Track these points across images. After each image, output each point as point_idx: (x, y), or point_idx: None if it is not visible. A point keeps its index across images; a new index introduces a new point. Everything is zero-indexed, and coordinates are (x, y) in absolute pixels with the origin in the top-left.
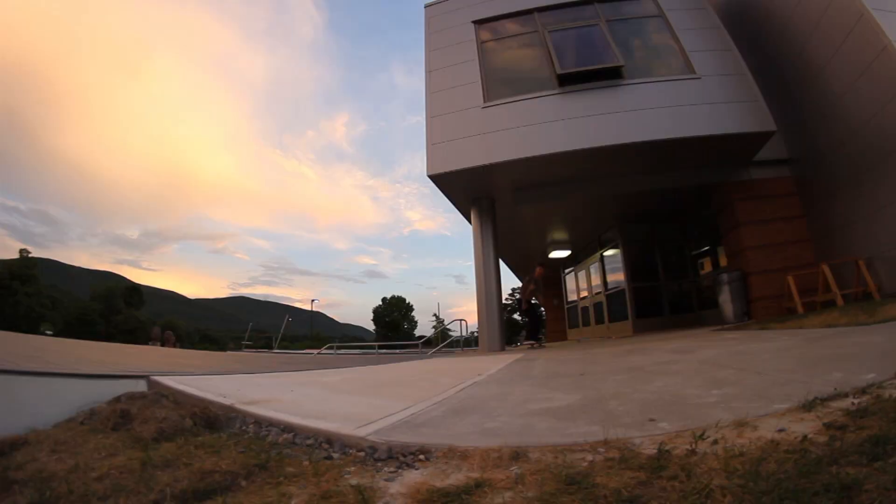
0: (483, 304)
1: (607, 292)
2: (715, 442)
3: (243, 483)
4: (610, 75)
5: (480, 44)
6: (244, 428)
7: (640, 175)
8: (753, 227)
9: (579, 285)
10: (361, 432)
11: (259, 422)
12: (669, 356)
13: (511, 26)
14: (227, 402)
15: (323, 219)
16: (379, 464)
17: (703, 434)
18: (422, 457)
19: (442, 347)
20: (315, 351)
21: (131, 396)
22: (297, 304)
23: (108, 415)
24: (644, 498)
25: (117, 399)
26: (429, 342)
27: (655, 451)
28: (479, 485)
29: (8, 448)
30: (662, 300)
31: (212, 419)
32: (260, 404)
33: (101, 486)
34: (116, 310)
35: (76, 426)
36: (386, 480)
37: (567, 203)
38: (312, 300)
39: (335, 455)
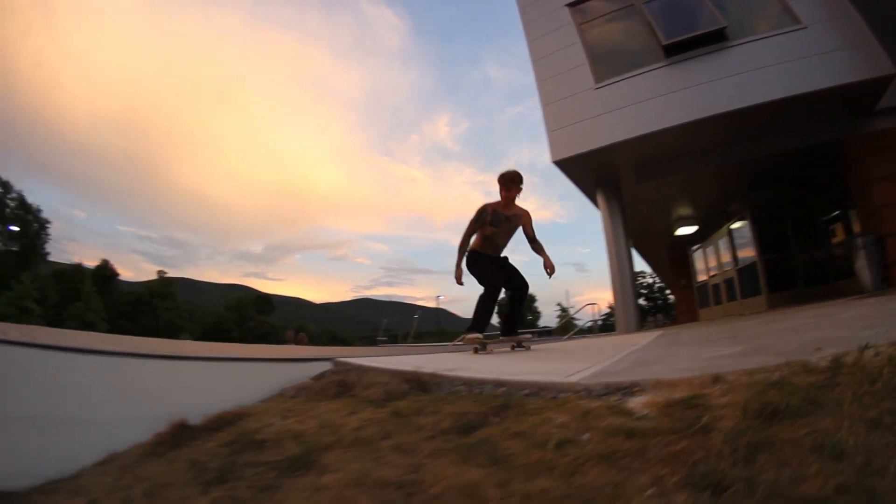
0: (618, 286)
1: (737, 267)
2: (877, 354)
3: (495, 419)
4: (714, 39)
5: (579, 26)
6: (455, 388)
7: (758, 140)
8: (886, 184)
9: (708, 263)
10: (570, 380)
11: (468, 382)
12: (814, 319)
13: (605, 4)
14: (428, 370)
15: (438, 218)
16: (603, 397)
17: (866, 346)
18: (636, 388)
19: (573, 335)
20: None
21: (334, 372)
22: (420, 303)
23: (325, 386)
24: (831, 385)
25: (322, 375)
26: (549, 332)
27: (829, 363)
28: (697, 396)
29: (233, 418)
30: (795, 272)
31: (424, 383)
32: (457, 371)
33: (366, 433)
34: (248, 317)
35: (287, 399)
36: (620, 402)
37: (687, 177)
38: (437, 296)
39: (560, 396)
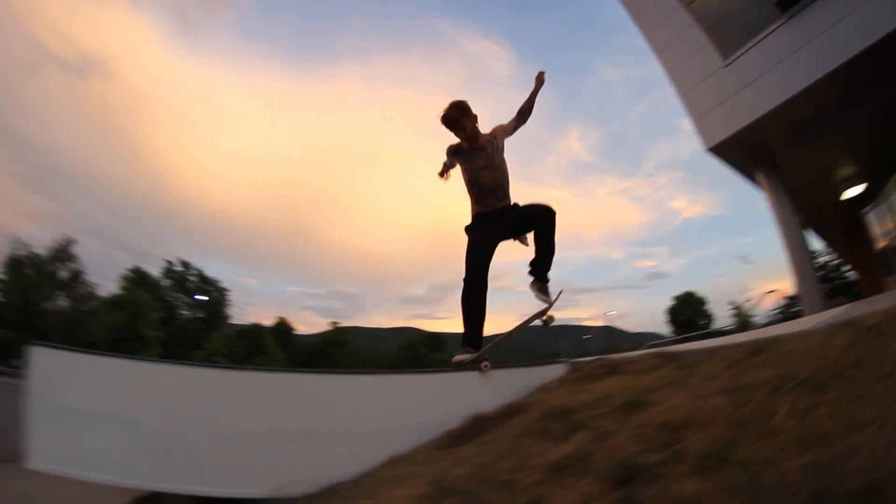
0: (797, 265)
1: None
2: None
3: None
4: None
5: (687, 7)
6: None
7: None
8: None
9: (884, 224)
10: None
11: (705, 351)
12: None
13: None
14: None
15: (590, 234)
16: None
17: None
18: None
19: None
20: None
21: (579, 368)
22: (588, 322)
23: (590, 371)
24: None
25: (575, 369)
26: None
27: None
28: None
29: (519, 407)
30: None
31: (672, 356)
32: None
33: (663, 384)
34: (422, 355)
35: (555, 389)
36: None
37: (843, 130)
38: (605, 313)
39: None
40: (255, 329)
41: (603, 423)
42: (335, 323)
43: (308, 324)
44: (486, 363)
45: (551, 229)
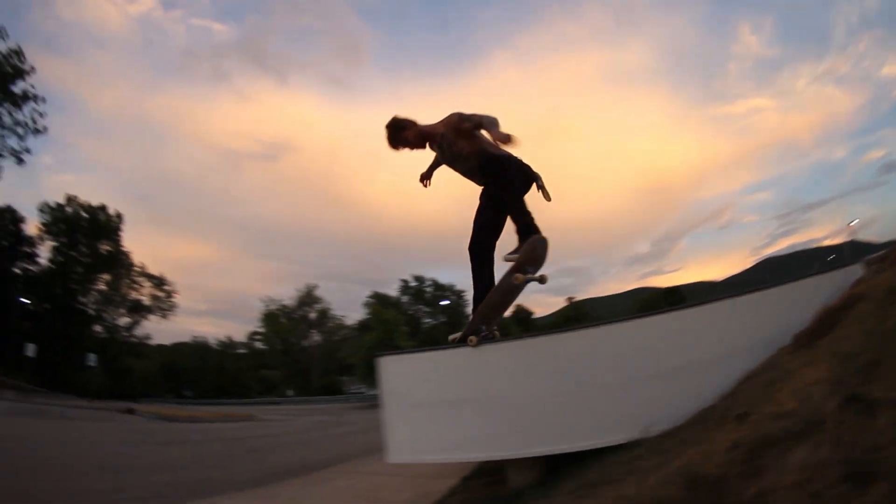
0: None
1: None
2: None
3: None
4: None
5: None
6: None
7: None
8: None
9: None
10: None
11: None
12: None
13: None
14: None
15: (803, 138)
16: None
17: None
18: None
19: None
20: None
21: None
22: (827, 242)
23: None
24: None
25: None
26: None
27: None
28: None
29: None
30: None
31: None
32: None
33: None
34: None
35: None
36: None
37: None
38: (849, 223)
39: None
40: None
41: None
42: (570, 299)
43: (542, 305)
44: (472, 338)
45: (510, 201)
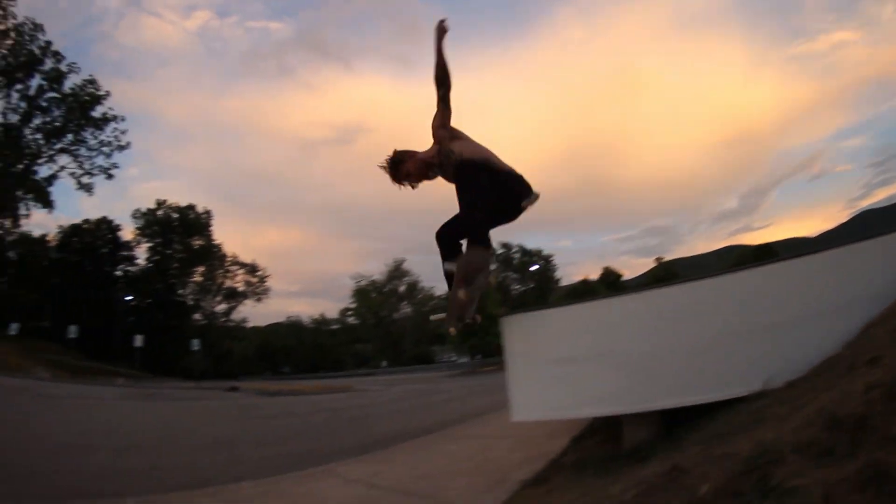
0: None
1: None
2: None
3: None
4: None
5: None
6: None
7: None
8: None
9: None
10: None
11: None
12: None
13: None
14: None
15: None
16: None
17: None
18: None
19: None
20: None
21: None
22: None
23: None
24: None
25: None
26: None
27: None
28: None
29: None
30: None
31: None
32: None
33: None
34: None
35: None
36: None
37: None
38: None
39: None
40: (585, 284)
41: None
42: (659, 259)
43: (630, 268)
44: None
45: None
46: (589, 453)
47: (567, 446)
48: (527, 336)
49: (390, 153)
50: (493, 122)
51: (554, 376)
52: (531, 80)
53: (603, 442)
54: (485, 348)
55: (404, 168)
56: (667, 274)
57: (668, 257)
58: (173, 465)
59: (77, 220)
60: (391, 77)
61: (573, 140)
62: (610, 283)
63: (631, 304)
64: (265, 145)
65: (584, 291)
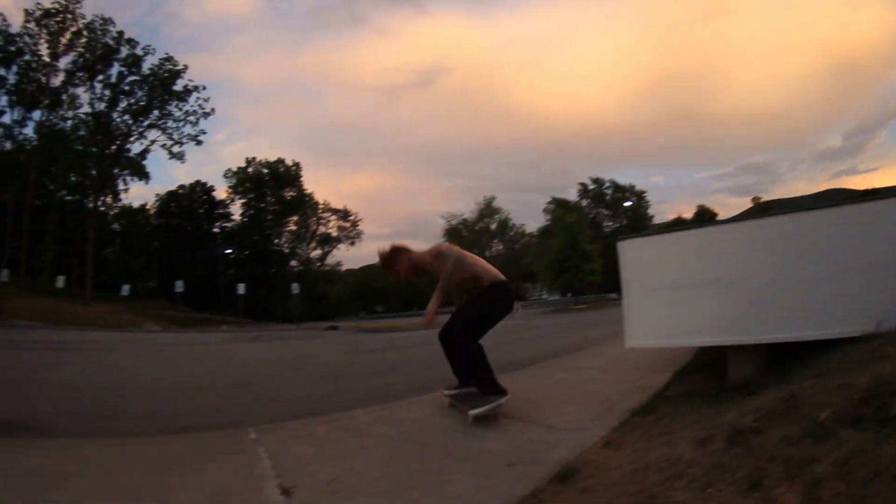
0: None
1: None
2: None
3: None
4: None
5: None
6: None
7: None
8: None
9: None
10: None
11: None
12: None
13: None
14: None
15: None
16: None
17: None
18: None
19: None
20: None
21: None
22: None
23: None
24: None
25: None
26: None
27: None
28: None
29: None
30: None
31: None
32: None
33: None
34: None
35: None
36: None
37: None
38: None
39: None
40: (679, 223)
41: None
42: (756, 199)
43: (725, 207)
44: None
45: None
46: (693, 386)
47: (670, 380)
48: (643, 260)
49: (386, 249)
50: (573, 50)
51: (669, 302)
52: (612, 2)
53: (707, 377)
54: (576, 286)
55: (395, 270)
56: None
57: (766, 197)
58: (287, 398)
59: (172, 187)
60: (465, 14)
61: (660, 67)
62: (704, 223)
63: (758, 230)
64: (346, 95)
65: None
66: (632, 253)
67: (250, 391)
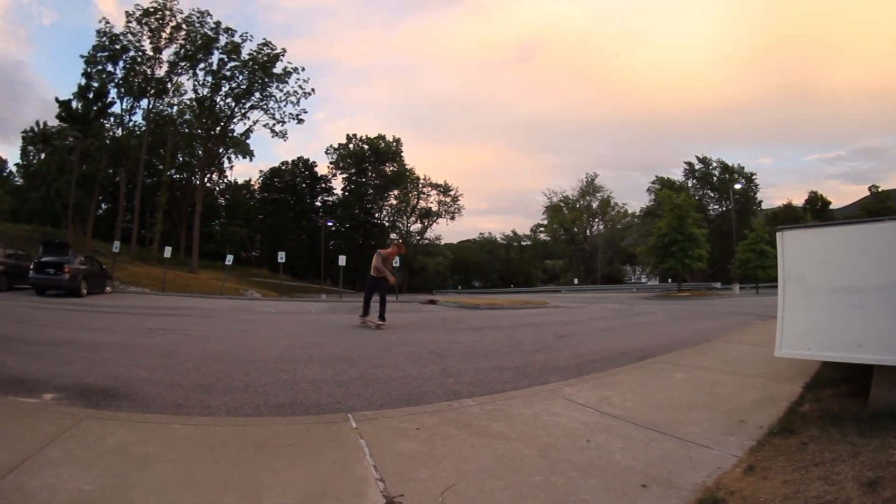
0: None
1: None
2: None
3: None
4: None
5: None
6: None
7: None
8: None
9: None
10: None
11: None
12: None
13: None
14: None
15: None
16: None
17: None
18: None
19: None
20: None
21: None
22: None
23: None
24: None
25: None
26: None
27: None
28: None
29: None
30: None
31: None
32: None
33: None
34: None
35: None
36: None
37: None
38: None
39: None
40: (789, 210)
41: None
42: (873, 188)
43: (837, 194)
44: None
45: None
46: (832, 406)
47: (801, 393)
48: (808, 255)
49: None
50: (675, 19)
51: (831, 307)
52: None
53: (843, 395)
54: (680, 272)
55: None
56: (881, 208)
57: (884, 186)
58: (388, 377)
59: (275, 164)
60: None
61: (767, 36)
62: (817, 212)
63: None
64: (444, 72)
65: (784, 218)
66: (796, 245)
67: (349, 367)
